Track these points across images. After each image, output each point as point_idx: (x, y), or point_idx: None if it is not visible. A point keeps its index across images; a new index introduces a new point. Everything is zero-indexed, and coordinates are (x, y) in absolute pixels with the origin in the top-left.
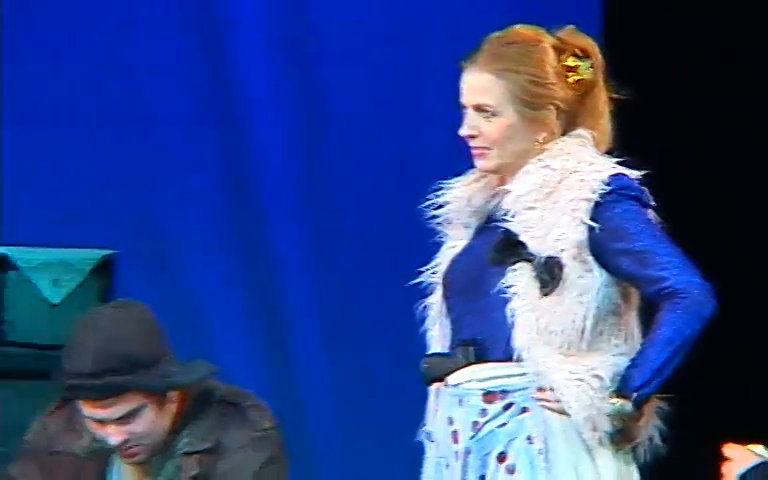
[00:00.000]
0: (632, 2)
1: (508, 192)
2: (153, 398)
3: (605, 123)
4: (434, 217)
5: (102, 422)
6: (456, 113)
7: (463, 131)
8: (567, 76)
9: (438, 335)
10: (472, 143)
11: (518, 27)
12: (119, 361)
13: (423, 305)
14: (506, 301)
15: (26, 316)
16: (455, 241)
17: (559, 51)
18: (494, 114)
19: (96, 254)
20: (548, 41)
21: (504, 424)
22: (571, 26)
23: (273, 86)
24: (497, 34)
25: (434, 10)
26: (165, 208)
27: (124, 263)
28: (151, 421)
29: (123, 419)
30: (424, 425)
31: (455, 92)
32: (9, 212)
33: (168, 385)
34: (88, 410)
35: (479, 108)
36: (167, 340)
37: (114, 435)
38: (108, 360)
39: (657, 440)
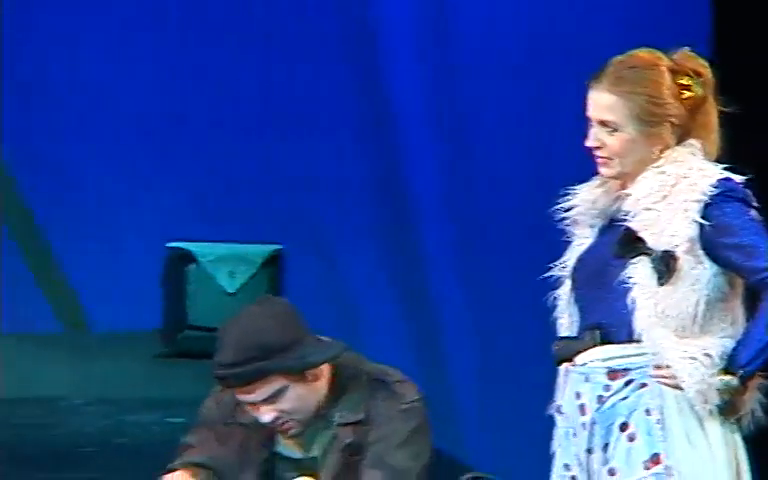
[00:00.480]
0: (739, 26)
1: (629, 195)
2: (293, 378)
3: (714, 135)
4: (563, 219)
5: (253, 404)
6: (581, 124)
7: (589, 143)
8: (681, 94)
9: (566, 322)
10: (597, 153)
11: (638, 51)
12: (257, 350)
13: (553, 296)
14: (627, 290)
15: (205, 304)
16: (582, 239)
17: (674, 72)
18: (616, 129)
19: (266, 249)
20: (665, 64)
21: (625, 398)
22: (686, 49)
23: (422, 99)
24: (619, 58)
25: (565, 31)
26: (325, 208)
27: (290, 256)
28: (297, 398)
29: (269, 399)
30: (554, 401)
31: (580, 106)
32: (194, 213)
33: (303, 365)
34: (239, 395)
35: (603, 123)
36: (304, 326)
37: (265, 414)
38: (247, 351)
39: (759, 412)
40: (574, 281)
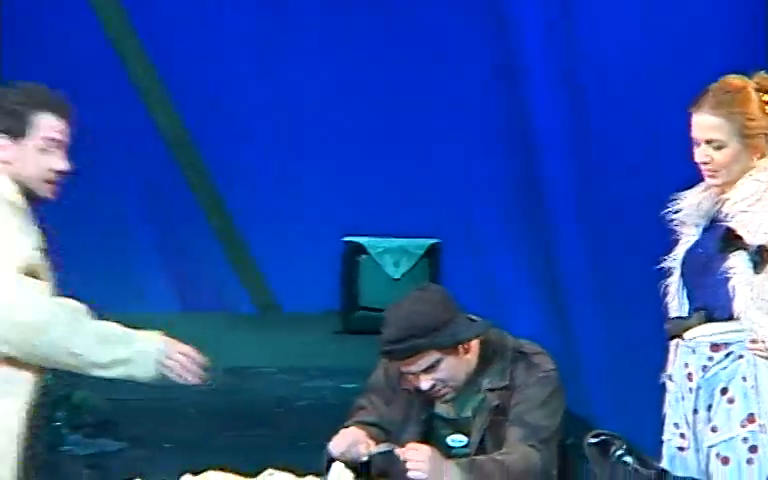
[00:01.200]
0: None
1: (728, 200)
2: (446, 352)
3: None
4: (672, 220)
5: (413, 374)
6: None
7: (698, 158)
8: (766, 109)
9: (676, 304)
10: (705, 167)
11: (729, 77)
12: (416, 329)
13: (665, 284)
14: (728, 279)
15: (374, 288)
16: (688, 237)
17: (760, 91)
18: (721, 146)
19: (426, 242)
20: (751, 86)
21: (725, 367)
22: (762, 72)
23: (557, 104)
24: (716, 85)
25: (676, 55)
26: (474, 208)
27: (445, 248)
28: (450, 369)
29: (427, 370)
30: (666, 370)
31: (683, 123)
32: (366, 211)
33: (455, 341)
34: (401, 367)
35: (709, 142)
36: (457, 307)
37: (424, 382)
38: (407, 330)
39: None
40: (683, 272)
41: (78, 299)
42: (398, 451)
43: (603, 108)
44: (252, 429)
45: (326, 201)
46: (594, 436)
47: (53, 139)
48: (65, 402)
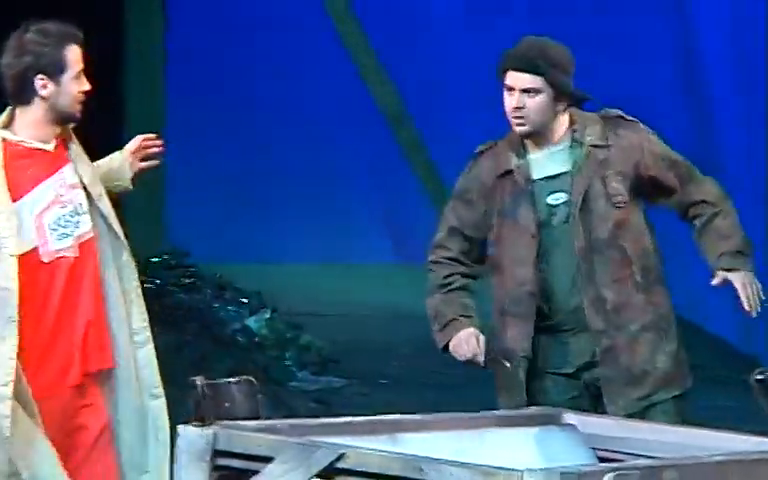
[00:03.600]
0: None
1: None
2: (550, 91)
3: None
4: None
5: (512, 90)
6: None
7: None
8: None
9: None
10: None
11: None
12: (544, 55)
13: None
14: None
15: None
16: None
17: None
18: None
19: None
20: None
21: None
22: None
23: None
24: None
25: None
26: None
27: None
28: (541, 107)
29: (527, 91)
30: None
31: None
32: None
33: (564, 87)
34: (510, 75)
35: None
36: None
37: (515, 102)
38: (538, 50)
39: None
40: None
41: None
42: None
43: None
44: (461, 367)
45: None
46: (759, 373)
47: (81, 67)
48: (294, 343)
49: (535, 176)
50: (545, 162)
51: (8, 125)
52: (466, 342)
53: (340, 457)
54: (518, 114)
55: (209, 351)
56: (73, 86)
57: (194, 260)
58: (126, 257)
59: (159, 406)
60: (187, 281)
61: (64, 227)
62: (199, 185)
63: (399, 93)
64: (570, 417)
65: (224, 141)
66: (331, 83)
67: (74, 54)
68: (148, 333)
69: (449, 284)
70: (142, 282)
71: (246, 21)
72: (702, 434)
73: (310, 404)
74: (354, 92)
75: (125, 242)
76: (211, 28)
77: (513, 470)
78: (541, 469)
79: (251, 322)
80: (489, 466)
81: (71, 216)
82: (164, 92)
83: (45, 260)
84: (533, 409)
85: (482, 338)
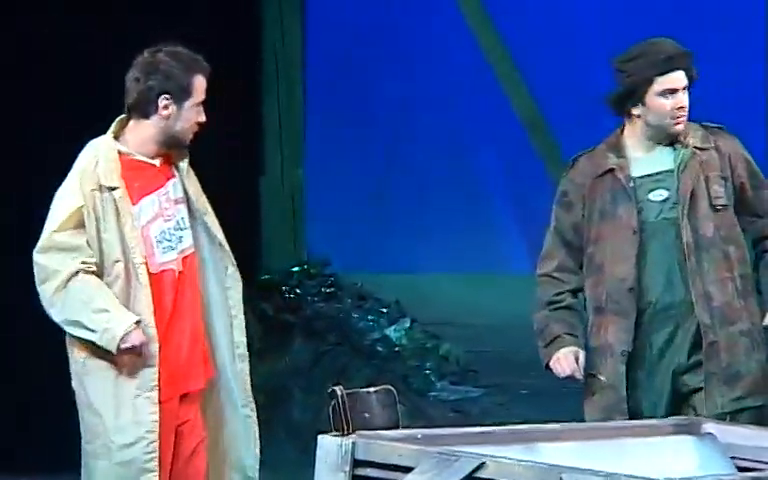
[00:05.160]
0: None
1: None
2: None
3: None
4: None
5: (674, 91)
6: None
7: None
8: None
9: None
10: None
11: None
12: (689, 54)
13: None
14: None
15: None
16: None
17: None
18: None
19: None
20: None
21: None
22: None
23: None
24: None
25: None
26: None
27: None
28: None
29: (684, 89)
30: None
31: None
32: None
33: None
34: (673, 80)
35: None
36: None
37: (684, 100)
38: (681, 49)
39: None
40: None
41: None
42: None
43: None
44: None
45: None
46: None
47: (203, 99)
48: (433, 353)
49: (635, 174)
50: (648, 160)
51: (118, 136)
52: (565, 359)
53: (480, 466)
54: (683, 113)
55: (348, 361)
56: (192, 114)
57: (334, 269)
58: (231, 270)
59: (253, 418)
60: (327, 291)
61: (169, 240)
62: (339, 195)
63: (535, 99)
64: (709, 426)
65: (365, 150)
66: (469, 89)
67: (200, 83)
68: (245, 348)
69: (558, 302)
70: (282, 292)
71: (382, 30)
72: None
73: (449, 414)
74: (492, 99)
75: (231, 255)
76: (350, 35)
77: (652, 479)
78: (680, 479)
79: (390, 332)
80: (629, 475)
81: (175, 230)
82: (303, 99)
83: (152, 271)
84: (671, 419)
85: (582, 356)
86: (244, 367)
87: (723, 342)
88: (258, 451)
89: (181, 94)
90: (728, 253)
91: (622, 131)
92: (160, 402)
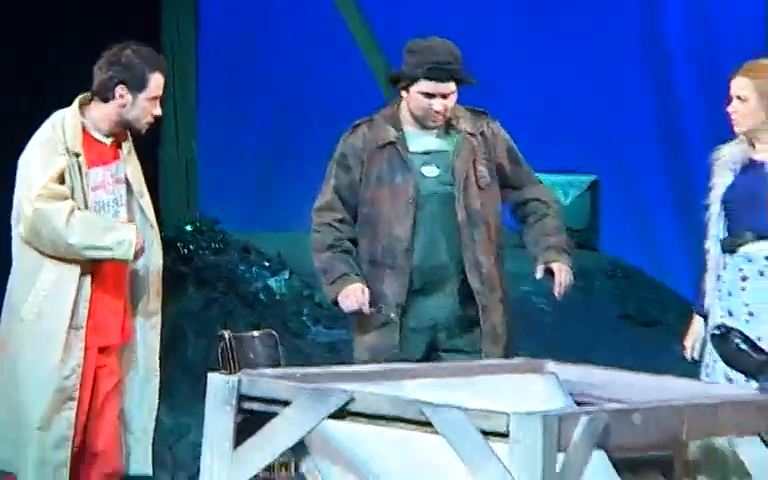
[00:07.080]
0: None
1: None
2: (458, 88)
3: None
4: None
5: (438, 96)
6: None
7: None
8: None
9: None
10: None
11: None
12: (460, 59)
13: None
14: None
15: None
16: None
17: None
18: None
19: (588, 178)
20: None
21: None
22: None
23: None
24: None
25: None
26: (627, 147)
27: (603, 184)
28: (453, 102)
29: (448, 96)
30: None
31: None
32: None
33: (471, 80)
34: (439, 87)
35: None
36: None
37: (442, 105)
38: (458, 57)
39: None
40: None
41: None
42: None
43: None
44: None
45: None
46: (717, 328)
47: (159, 94)
48: (310, 301)
49: (412, 149)
50: (422, 137)
51: (82, 109)
52: (354, 293)
53: (350, 401)
54: (438, 117)
55: (234, 307)
56: (147, 105)
57: (223, 228)
58: (156, 247)
59: (156, 386)
60: (216, 246)
61: (106, 211)
62: (228, 163)
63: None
64: (552, 366)
65: (251, 123)
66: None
67: (156, 80)
68: (159, 317)
69: (339, 246)
70: (177, 248)
71: (269, 10)
72: (664, 381)
73: (324, 354)
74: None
75: (158, 234)
76: (238, 18)
77: (501, 413)
78: (525, 412)
79: (272, 282)
80: (481, 409)
81: (113, 204)
82: (195, 63)
83: None
84: (518, 359)
85: (367, 291)
86: (154, 336)
87: (490, 305)
88: (153, 414)
89: (138, 86)
90: (490, 226)
91: (398, 105)
92: (85, 348)
